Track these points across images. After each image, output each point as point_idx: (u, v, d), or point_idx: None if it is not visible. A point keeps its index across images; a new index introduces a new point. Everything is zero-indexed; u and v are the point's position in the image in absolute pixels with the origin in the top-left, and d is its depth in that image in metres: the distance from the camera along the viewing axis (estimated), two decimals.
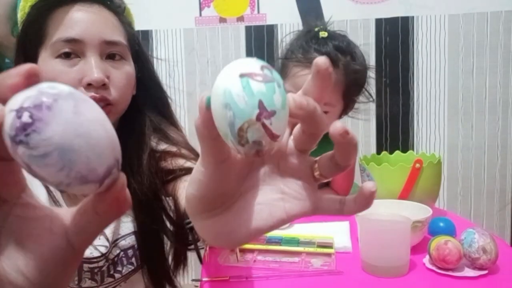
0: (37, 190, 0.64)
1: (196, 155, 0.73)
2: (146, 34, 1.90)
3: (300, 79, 1.01)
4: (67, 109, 0.22)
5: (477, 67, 1.83)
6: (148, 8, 1.89)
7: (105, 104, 0.64)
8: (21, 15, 0.68)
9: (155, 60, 1.95)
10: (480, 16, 1.80)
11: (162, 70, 1.93)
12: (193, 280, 0.78)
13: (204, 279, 0.73)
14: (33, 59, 0.65)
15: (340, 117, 1.11)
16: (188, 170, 0.64)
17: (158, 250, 0.75)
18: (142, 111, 0.73)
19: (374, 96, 1.82)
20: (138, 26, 2.15)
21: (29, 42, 0.66)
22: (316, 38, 1.04)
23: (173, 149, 0.72)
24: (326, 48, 1.01)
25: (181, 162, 0.69)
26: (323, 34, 1.03)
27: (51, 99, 0.22)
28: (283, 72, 1.07)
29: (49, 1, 0.65)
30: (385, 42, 1.85)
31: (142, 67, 0.73)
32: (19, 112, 0.21)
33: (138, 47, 0.74)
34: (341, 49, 1.02)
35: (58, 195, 0.65)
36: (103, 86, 0.64)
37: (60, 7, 0.65)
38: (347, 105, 1.08)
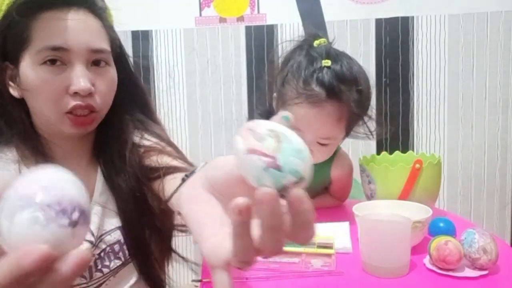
0: None
1: (179, 153, 0.74)
2: (146, 34, 1.90)
3: (297, 109, 0.94)
4: None
5: (477, 67, 1.83)
6: (148, 8, 1.88)
7: (90, 111, 0.65)
8: None
9: (155, 60, 1.96)
10: (480, 16, 1.80)
11: (162, 70, 1.93)
12: (193, 280, 0.78)
13: (205, 279, 0.73)
14: (14, 62, 0.65)
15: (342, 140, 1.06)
16: (175, 169, 0.65)
17: (145, 244, 0.76)
18: (121, 110, 0.74)
19: (374, 95, 1.82)
20: (138, 26, 2.16)
21: (9, 45, 0.65)
22: (318, 65, 0.94)
23: (158, 146, 0.73)
24: (329, 80, 0.92)
25: (167, 160, 0.69)
26: (326, 62, 0.94)
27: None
28: (281, 93, 0.99)
29: (34, 4, 0.64)
30: (385, 42, 1.84)
31: (122, 68, 0.74)
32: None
33: (119, 50, 0.74)
34: (345, 79, 0.93)
35: None
36: (89, 94, 0.65)
37: (45, 12, 0.64)
38: (348, 133, 1.03)
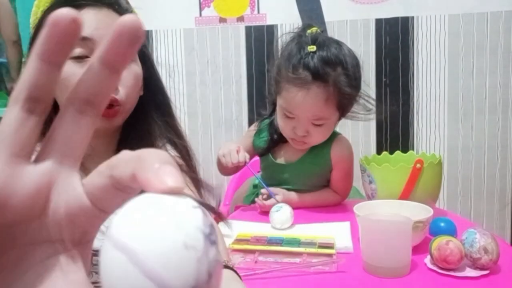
0: None
1: (195, 178, 0.74)
2: (146, 34, 1.90)
3: (290, 96, 1.02)
4: None
5: (477, 67, 1.83)
6: (148, 8, 1.88)
7: (113, 104, 0.66)
8: (33, 20, 0.70)
9: (155, 61, 1.95)
10: (480, 16, 1.80)
11: (162, 70, 1.93)
12: None
13: None
14: None
15: (338, 120, 1.11)
16: None
17: None
18: (147, 112, 0.75)
19: (374, 95, 1.83)
20: None
21: None
22: (305, 52, 1.01)
23: (176, 162, 0.73)
24: (314, 63, 0.99)
25: None
26: (311, 48, 1.01)
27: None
28: (276, 80, 1.06)
29: (60, 5, 0.66)
30: (385, 42, 1.85)
31: (148, 69, 0.75)
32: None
33: (144, 49, 0.75)
34: (330, 62, 1.00)
35: None
36: None
37: None
38: (343, 112, 1.08)
